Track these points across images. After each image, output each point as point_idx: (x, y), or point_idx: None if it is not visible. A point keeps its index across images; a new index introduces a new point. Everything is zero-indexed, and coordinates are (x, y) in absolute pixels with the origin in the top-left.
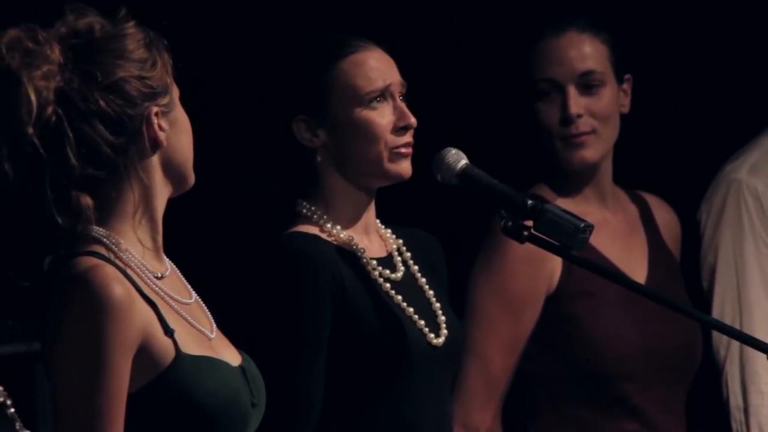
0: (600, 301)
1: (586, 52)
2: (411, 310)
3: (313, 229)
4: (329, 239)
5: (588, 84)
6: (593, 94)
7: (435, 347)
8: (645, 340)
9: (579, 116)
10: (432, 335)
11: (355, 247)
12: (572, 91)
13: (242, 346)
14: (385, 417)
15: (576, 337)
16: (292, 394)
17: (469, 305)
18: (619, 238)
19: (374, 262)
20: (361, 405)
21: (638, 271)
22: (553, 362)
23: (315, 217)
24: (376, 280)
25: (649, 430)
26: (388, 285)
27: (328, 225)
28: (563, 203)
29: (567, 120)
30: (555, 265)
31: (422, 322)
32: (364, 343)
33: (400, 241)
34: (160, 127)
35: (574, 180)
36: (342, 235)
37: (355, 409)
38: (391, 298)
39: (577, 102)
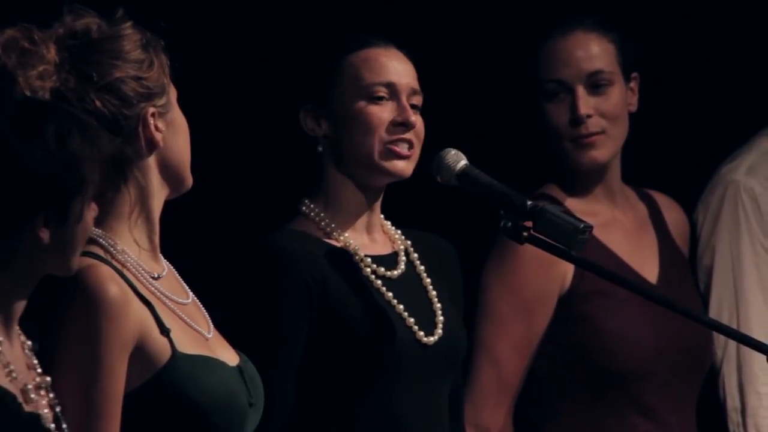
0: (613, 300)
1: (594, 52)
2: (401, 307)
3: (305, 226)
4: (321, 237)
5: (596, 84)
6: (602, 94)
7: (425, 345)
8: (658, 338)
9: (588, 116)
10: (422, 333)
11: (348, 245)
12: (581, 91)
13: (240, 346)
14: (369, 414)
15: (589, 336)
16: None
17: (481, 306)
18: (630, 236)
19: (369, 259)
20: (345, 402)
21: (650, 269)
22: (566, 362)
23: (312, 214)
24: (367, 278)
25: (664, 430)
26: (379, 282)
27: (323, 223)
28: (573, 203)
29: (576, 120)
30: (567, 265)
31: (412, 320)
32: (347, 340)
33: (409, 242)
34: (156, 127)
35: (584, 179)
36: (335, 234)
37: (339, 406)
38: (382, 295)
39: (586, 102)
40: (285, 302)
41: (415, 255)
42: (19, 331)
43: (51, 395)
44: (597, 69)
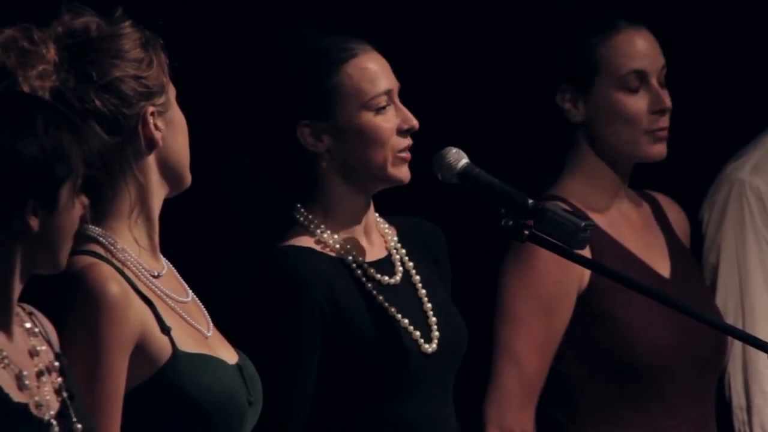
0: (632, 296)
1: (659, 46)
2: (406, 321)
3: (307, 241)
4: (323, 251)
5: (661, 78)
6: (666, 89)
7: (428, 355)
8: (677, 332)
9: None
10: (425, 343)
11: (351, 257)
12: (659, 83)
13: (239, 345)
14: (387, 428)
15: (610, 332)
16: (276, 413)
17: (499, 306)
18: (639, 233)
19: (372, 269)
20: (359, 419)
21: (662, 265)
22: (587, 360)
23: (312, 226)
24: (370, 293)
25: (685, 424)
26: (381, 297)
27: (325, 235)
28: (581, 202)
29: (662, 112)
30: None
31: (417, 333)
32: (359, 357)
33: (396, 238)
34: (155, 126)
35: (592, 178)
36: (338, 246)
37: (354, 423)
38: (385, 310)
39: (666, 95)
40: (301, 326)
41: (403, 251)
42: (26, 318)
43: (59, 380)
44: (664, 63)
